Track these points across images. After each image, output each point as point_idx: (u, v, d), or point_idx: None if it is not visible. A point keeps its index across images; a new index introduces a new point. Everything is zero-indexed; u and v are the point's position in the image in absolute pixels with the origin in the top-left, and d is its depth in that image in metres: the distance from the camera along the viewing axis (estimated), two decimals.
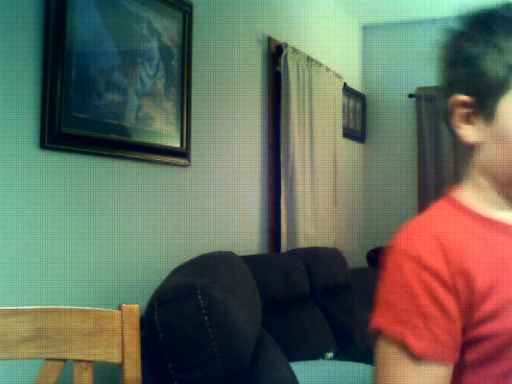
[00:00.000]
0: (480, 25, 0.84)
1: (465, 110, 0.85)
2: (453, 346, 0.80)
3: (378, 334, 0.82)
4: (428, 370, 0.79)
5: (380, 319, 0.82)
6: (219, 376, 1.42)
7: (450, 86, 0.88)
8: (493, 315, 0.80)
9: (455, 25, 0.86)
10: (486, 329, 0.80)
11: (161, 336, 1.41)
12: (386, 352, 0.80)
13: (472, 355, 0.82)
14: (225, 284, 1.71)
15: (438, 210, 0.89)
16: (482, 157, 0.86)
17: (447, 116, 0.87)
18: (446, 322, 0.79)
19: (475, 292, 0.80)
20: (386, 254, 0.85)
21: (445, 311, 0.79)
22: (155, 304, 1.45)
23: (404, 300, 0.80)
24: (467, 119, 0.85)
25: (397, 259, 0.83)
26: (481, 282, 0.80)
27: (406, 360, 0.78)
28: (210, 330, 1.42)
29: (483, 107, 0.83)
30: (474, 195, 0.88)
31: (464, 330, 0.81)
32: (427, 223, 0.86)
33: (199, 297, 1.45)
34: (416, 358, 0.78)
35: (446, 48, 0.88)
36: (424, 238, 0.82)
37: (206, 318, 1.43)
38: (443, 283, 0.79)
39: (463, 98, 0.85)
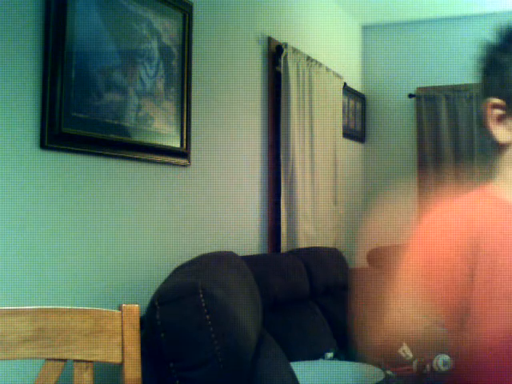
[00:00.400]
0: (511, 36, 0.96)
1: (497, 112, 0.95)
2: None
3: None
4: None
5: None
6: (221, 375, 1.42)
7: (486, 91, 0.98)
8: None
9: (492, 38, 0.98)
10: None
11: (162, 335, 1.41)
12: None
13: None
14: (226, 284, 1.71)
15: (468, 196, 1.00)
16: None
17: (482, 118, 0.98)
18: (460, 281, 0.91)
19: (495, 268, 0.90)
20: (415, 230, 0.99)
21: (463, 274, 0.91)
22: (156, 303, 1.45)
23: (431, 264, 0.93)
24: (500, 121, 0.96)
25: (425, 232, 0.96)
26: (501, 260, 0.90)
27: None
28: (211, 329, 1.43)
29: None
30: (503, 187, 0.97)
31: None
32: (458, 205, 0.98)
33: (201, 296, 1.45)
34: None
35: (484, 59, 0.99)
36: (453, 216, 0.95)
37: (208, 317, 1.43)
38: (464, 256, 0.91)
39: (496, 101, 0.95)
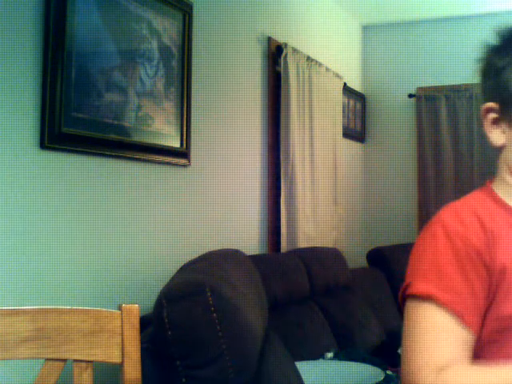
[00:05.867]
0: (509, 39, 0.95)
1: (493, 116, 0.96)
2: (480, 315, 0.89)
3: (420, 299, 0.89)
4: (458, 330, 0.87)
5: (429, 287, 0.89)
6: (228, 373, 1.42)
7: (483, 94, 0.99)
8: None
9: (491, 40, 0.97)
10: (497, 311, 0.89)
11: (169, 333, 1.41)
12: (435, 317, 0.88)
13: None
14: (233, 282, 1.71)
15: (475, 196, 0.99)
16: (507, 157, 0.97)
17: (481, 121, 0.99)
18: (481, 292, 0.89)
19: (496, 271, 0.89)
20: (426, 229, 0.95)
21: (483, 283, 0.88)
22: (164, 301, 1.44)
23: (454, 270, 0.88)
24: (495, 124, 0.96)
25: (441, 234, 0.91)
26: (500, 263, 0.89)
27: (453, 324, 0.87)
28: (218, 327, 1.42)
29: (507, 113, 0.94)
30: (501, 189, 0.98)
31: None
32: (468, 205, 0.96)
33: (208, 294, 1.45)
34: (463, 324, 0.87)
35: (481, 61, 0.99)
36: (467, 217, 0.92)
37: (215, 315, 1.43)
38: (483, 260, 0.88)
39: (491, 104, 0.96)
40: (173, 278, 1.68)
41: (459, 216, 0.92)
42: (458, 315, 0.86)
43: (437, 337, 0.87)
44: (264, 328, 1.85)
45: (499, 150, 0.98)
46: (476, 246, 0.88)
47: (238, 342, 1.46)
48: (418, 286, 0.89)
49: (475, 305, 0.88)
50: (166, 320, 1.42)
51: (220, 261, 1.92)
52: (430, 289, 0.88)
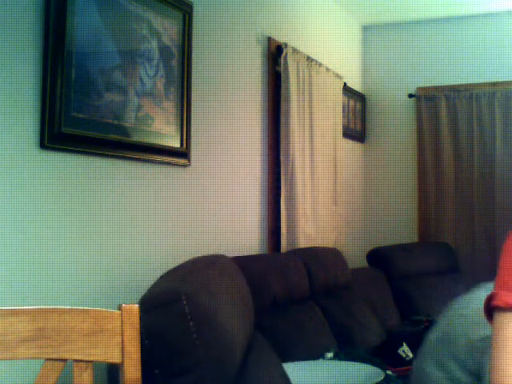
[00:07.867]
0: None
1: None
2: None
3: (503, 309, 0.85)
4: None
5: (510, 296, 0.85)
6: (205, 382, 1.41)
7: None
8: None
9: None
10: None
11: (146, 342, 1.40)
12: None
13: None
14: (212, 289, 1.69)
15: None
16: None
17: None
18: None
19: None
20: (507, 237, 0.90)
21: None
22: (140, 310, 1.45)
23: None
24: None
25: None
26: None
27: None
28: (195, 335, 1.42)
29: None
30: None
31: None
32: None
33: (184, 302, 1.44)
34: None
35: None
36: None
37: (191, 323, 1.42)
38: None
39: None
40: (151, 287, 1.67)
41: None
42: None
43: None
44: (248, 333, 1.84)
45: None
46: None
47: (215, 350, 1.45)
48: (501, 296, 0.86)
49: None
50: (143, 329, 1.42)
51: (200, 268, 1.90)
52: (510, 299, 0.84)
